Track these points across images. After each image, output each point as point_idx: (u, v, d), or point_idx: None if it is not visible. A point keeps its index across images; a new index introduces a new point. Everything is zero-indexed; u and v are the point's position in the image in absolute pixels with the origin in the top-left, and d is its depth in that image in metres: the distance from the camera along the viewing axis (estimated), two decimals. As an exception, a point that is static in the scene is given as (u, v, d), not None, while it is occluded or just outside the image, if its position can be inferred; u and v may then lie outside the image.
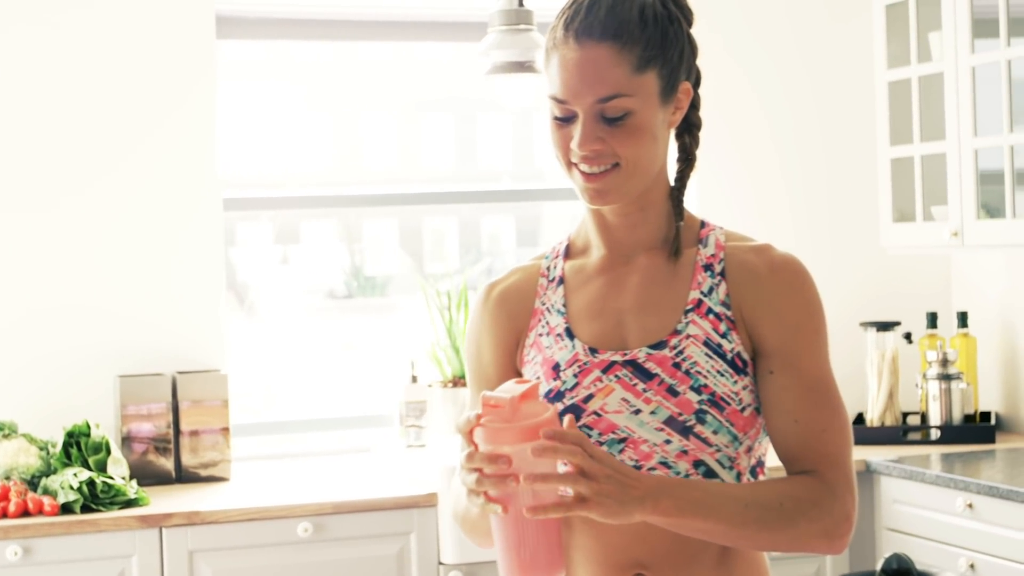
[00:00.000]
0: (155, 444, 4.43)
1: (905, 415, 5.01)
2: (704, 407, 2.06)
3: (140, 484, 4.37)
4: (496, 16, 4.36)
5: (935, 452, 4.60)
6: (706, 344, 2.09)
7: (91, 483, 4.04)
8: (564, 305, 2.18)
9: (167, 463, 4.44)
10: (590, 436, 2.09)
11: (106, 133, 4.54)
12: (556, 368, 2.14)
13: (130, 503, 4.08)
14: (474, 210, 5.33)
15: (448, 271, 5.17)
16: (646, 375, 2.08)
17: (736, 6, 5.02)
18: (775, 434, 2.09)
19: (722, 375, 2.08)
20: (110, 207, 4.54)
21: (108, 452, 4.19)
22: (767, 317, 2.10)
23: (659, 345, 2.09)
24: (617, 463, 1.94)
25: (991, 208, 4.56)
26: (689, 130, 2.20)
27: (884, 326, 4.89)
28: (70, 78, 4.51)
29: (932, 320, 4.91)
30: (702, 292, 2.12)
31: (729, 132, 5.03)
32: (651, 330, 2.11)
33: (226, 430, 4.49)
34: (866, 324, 4.91)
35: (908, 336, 4.91)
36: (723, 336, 2.09)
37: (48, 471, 4.18)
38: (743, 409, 2.09)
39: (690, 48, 2.15)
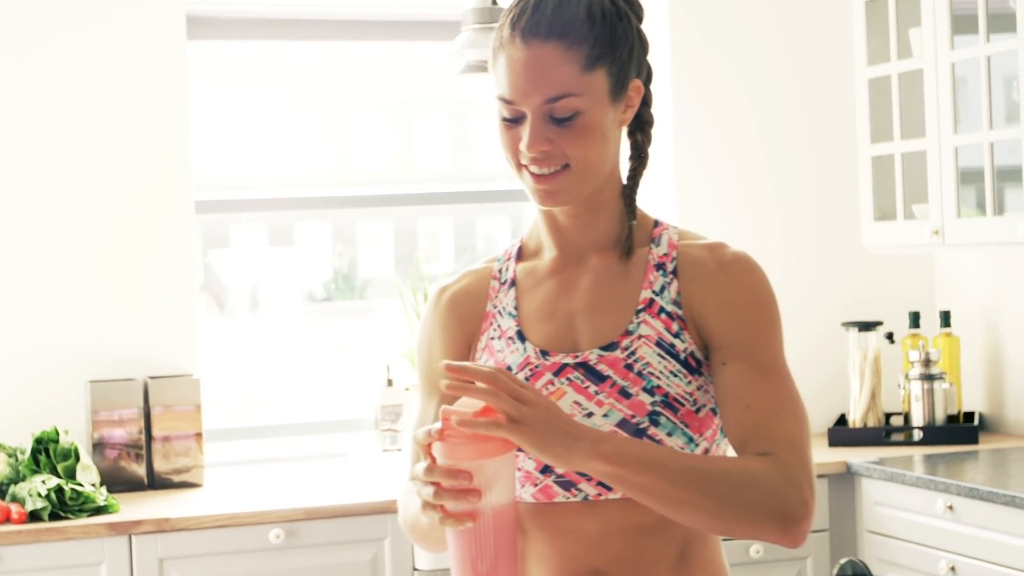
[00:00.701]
0: (127, 450, 4.40)
1: (888, 416, 4.98)
2: (657, 409, 2.03)
3: (112, 491, 4.35)
4: (469, 14, 4.32)
5: (918, 453, 4.57)
6: (658, 344, 2.06)
7: (59, 490, 4.01)
8: (516, 308, 2.16)
9: (139, 469, 4.41)
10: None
11: (77, 137, 4.51)
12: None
13: (99, 510, 4.06)
14: (469, 210, 5.30)
15: (443, 272, 5.14)
16: (598, 377, 2.06)
17: (718, 2, 4.99)
18: (728, 423, 2.04)
19: (675, 376, 2.05)
20: (81, 210, 4.51)
21: (77, 459, 4.16)
22: (717, 310, 2.07)
23: (610, 346, 2.07)
24: (560, 410, 1.91)
25: (974, 206, 4.54)
26: (641, 128, 2.17)
27: (866, 326, 4.86)
28: (42, 83, 4.48)
29: (915, 320, 4.89)
30: (654, 291, 2.09)
31: (712, 130, 5.00)
32: (602, 331, 2.09)
33: (199, 435, 4.46)
34: (848, 324, 4.88)
35: (890, 336, 4.88)
36: (676, 336, 2.07)
37: (17, 478, 4.15)
38: (698, 410, 2.06)
39: (640, 45, 2.12)
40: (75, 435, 4.39)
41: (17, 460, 4.19)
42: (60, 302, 4.49)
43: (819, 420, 5.05)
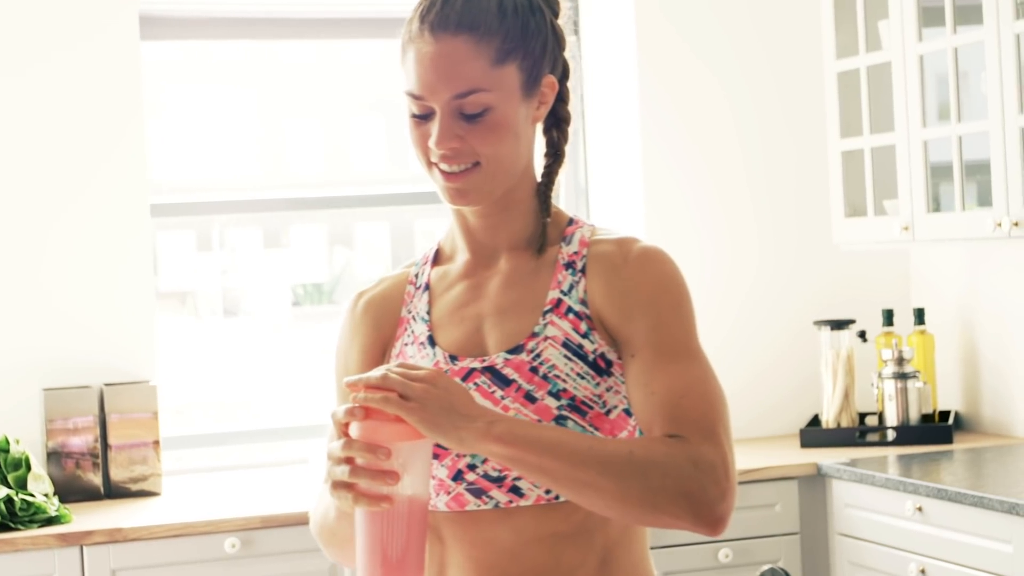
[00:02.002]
0: (82, 459, 4.36)
1: (863, 416, 4.94)
2: (564, 412, 2.00)
3: (67, 501, 4.31)
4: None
5: (891, 454, 4.54)
6: (565, 345, 2.03)
7: (9, 501, 3.97)
8: (428, 313, 2.13)
9: (95, 478, 4.38)
10: (449, 448, 2.04)
11: (28, 140, 4.47)
12: None
13: (51, 520, 4.02)
14: (406, 213, 5.27)
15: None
16: (504, 381, 2.03)
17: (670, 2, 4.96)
18: (636, 414, 1.99)
19: (582, 377, 2.01)
20: (35, 215, 4.47)
21: (28, 468, 4.12)
22: (619, 302, 2.03)
23: (516, 349, 2.04)
24: (457, 387, 1.90)
25: (943, 201, 4.50)
26: (557, 124, 2.15)
27: (838, 324, 4.83)
28: (-10, 83, 4.45)
29: (888, 318, 4.85)
30: (562, 291, 2.06)
31: (681, 126, 4.97)
32: (509, 334, 2.06)
33: (156, 443, 4.43)
34: (820, 323, 4.84)
35: (863, 334, 4.84)
36: (584, 336, 2.03)
37: (-33, 489, 4.11)
38: (608, 412, 2.02)
39: (555, 39, 2.10)
40: (29, 444, 4.36)
41: (-33, 470, 4.15)
42: (13, 308, 4.45)
43: (793, 421, 5.02)
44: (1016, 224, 4.11)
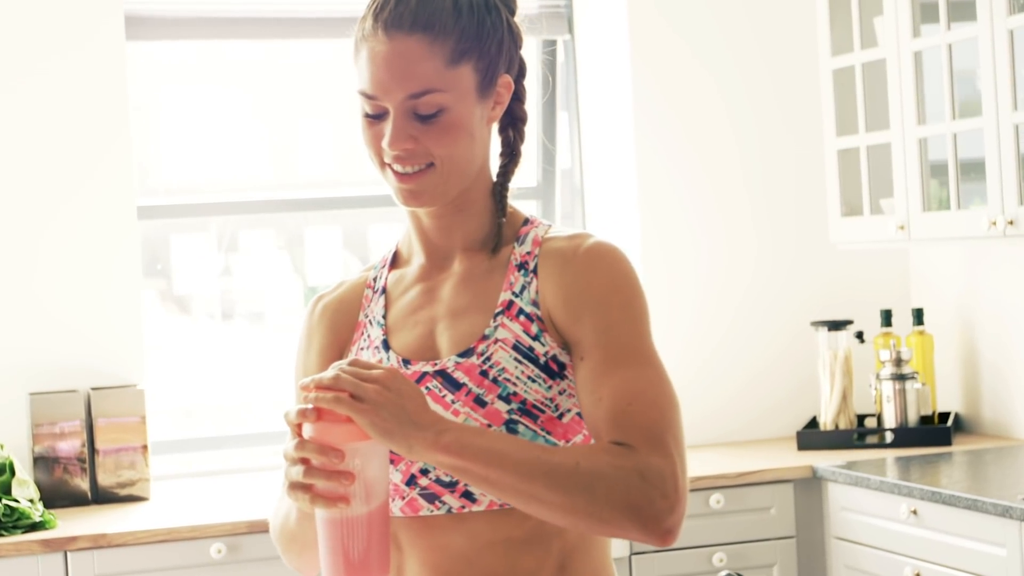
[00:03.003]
0: (69, 464, 4.36)
1: (862, 418, 4.92)
2: (515, 417, 1.98)
3: (55, 506, 4.31)
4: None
5: (889, 456, 4.52)
6: (515, 348, 2.01)
7: (-8, 506, 3.97)
8: (384, 316, 2.12)
9: (82, 483, 4.38)
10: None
11: (14, 143, 4.47)
12: None
13: (35, 526, 4.02)
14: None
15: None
16: (455, 385, 2.01)
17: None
18: (585, 419, 1.97)
19: (533, 381, 2.00)
20: (21, 217, 4.48)
21: (12, 473, 4.12)
22: (571, 299, 2.01)
23: (467, 352, 2.02)
24: (410, 389, 1.87)
25: (939, 200, 4.48)
26: (514, 124, 2.14)
27: (836, 325, 4.80)
28: (-25, 85, 4.45)
29: (887, 318, 4.82)
30: (513, 293, 2.04)
31: (676, 124, 4.95)
32: (461, 337, 2.05)
33: (145, 448, 4.42)
34: (817, 323, 4.82)
35: (860, 335, 4.82)
36: (535, 339, 2.01)
37: (-48, 494, 4.12)
38: (560, 416, 2.01)
39: (511, 38, 2.08)
40: (16, 448, 4.36)
41: (-48, 476, 4.15)
42: (0, 312, 4.45)
43: (790, 423, 5.00)
44: (1011, 223, 4.09)
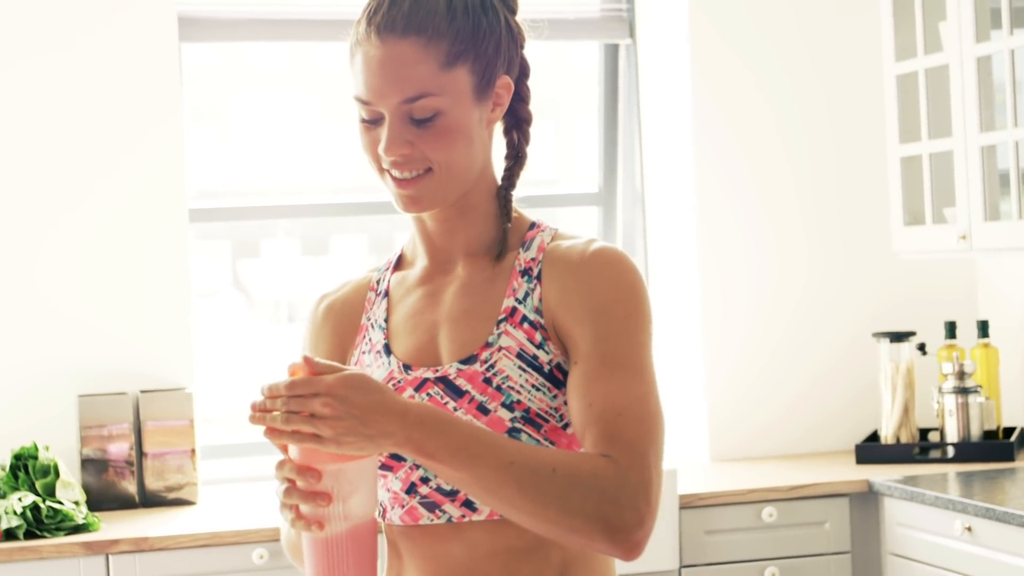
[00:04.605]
0: (118, 467, 4.41)
1: (924, 432, 4.87)
2: (518, 425, 1.98)
3: (102, 509, 4.36)
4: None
5: (951, 471, 4.47)
6: (520, 356, 2.00)
7: (36, 508, 4.02)
8: (385, 320, 2.12)
9: (130, 487, 4.42)
10: (403, 461, 2.03)
11: (67, 144, 4.53)
12: None
13: (79, 529, 4.06)
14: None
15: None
16: (457, 392, 2.01)
17: (733, 2, 4.92)
18: (572, 421, 1.97)
19: (538, 389, 2.00)
20: (73, 220, 4.53)
21: (57, 475, 4.17)
22: (571, 306, 2.00)
23: (470, 359, 2.02)
24: (362, 397, 1.82)
25: (1004, 209, 4.43)
26: (518, 126, 2.12)
27: (898, 336, 4.75)
28: (31, 91, 4.51)
29: (951, 330, 4.77)
30: (517, 299, 2.04)
31: (733, 132, 4.93)
32: (463, 343, 2.04)
33: (193, 452, 4.46)
34: (879, 335, 4.78)
35: (922, 347, 4.78)
36: (539, 347, 2.01)
37: (-3, 495, 4.18)
38: (565, 426, 2.00)
39: (511, 39, 2.07)
40: (64, 451, 4.41)
41: (-2, 477, 4.21)
42: (50, 314, 4.51)
43: (848, 436, 4.96)
44: (1073, 233, 4.04)
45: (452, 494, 2.02)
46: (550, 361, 2.01)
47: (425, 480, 2.03)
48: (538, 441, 1.99)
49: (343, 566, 1.90)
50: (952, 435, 4.67)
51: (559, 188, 5.41)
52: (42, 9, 4.51)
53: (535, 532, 1.93)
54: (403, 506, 2.05)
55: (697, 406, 4.94)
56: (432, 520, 2.04)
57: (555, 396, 2.00)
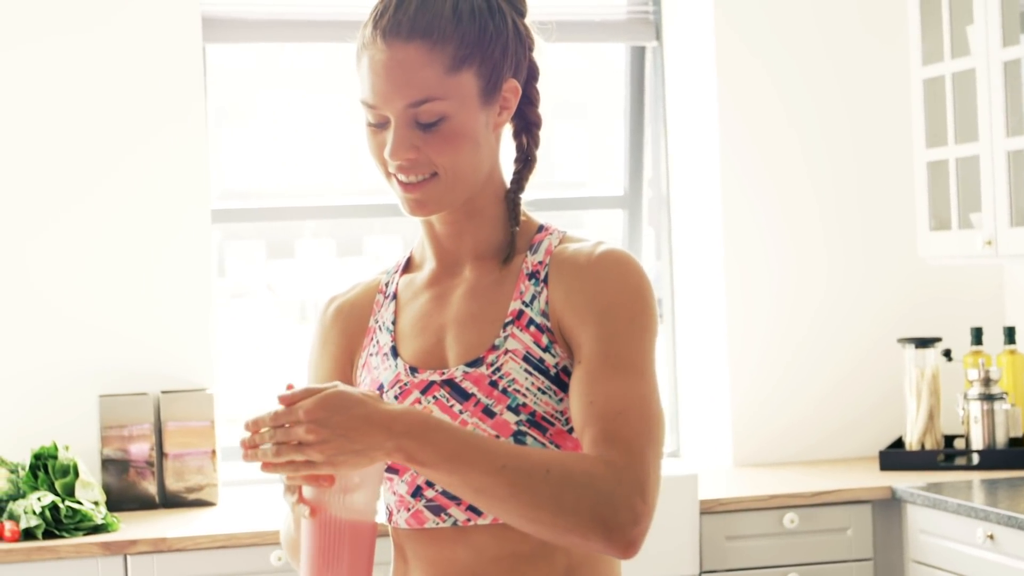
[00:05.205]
0: (137, 467, 4.43)
1: (951, 439, 4.86)
2: (523, 428, 1.99)
3: (122, 509, 4.38)
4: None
5: (976, 478, 4.45)
6: (526, 359, 2.01)
7: (55, 508, 4.05)
8: (393, 323, 2.13)
9: (150, 487, 4.45)
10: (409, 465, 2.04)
11: (90, 143, 4.56)
12: (380, 390, 2.10)
13: (97, 529, 4.09)
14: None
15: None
16: (463, 395, 2.02)
17: (752, 4, 4.92)
18: (573, 419, 1.98)
19: (544, 393, 2.00)
20: (92, 218, 4.56)
21: (76, 475, 4.20)
22: (579, 304, 2.00)
23: (476, 362, 2.03)
24: (343, 414, 1.84)
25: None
26: (528, 129, 2.12)
27: (923, 342, 4.74)
28: (54, 91, 4.54)
29: (977, 336, 4.76)
30: (524, 302, 2.04)
31: (758, 136, 4.92)
32: (469, 346, 2.05)
33: (213, 452, 4.48)
34: (904, 340, 4.76)
35: (948, 353, 4.76)
36: (545, 350, 2.01)
37: (17, 494, 4.20)
38: (571, 429, 2.01)
39: (518, 41, 2.07)
40: (85, 451, 4.44)
41: (18, 476, 4.23)
42: (71, 314, 4.53)
43: (871, 442, 4.96)
44: (1098, 239, 4.02)
45: (457, 498, 2.02)
46: (556, 364, 2.01)
47: (431, 484, 2.04)
48: (543, 444, 1.99)
49: (338, 557, 1.92)
50: (977, 442, 4.65)
51: (585, 191, 5.41)
52: (64, 7, 4.53)
53: (534, 535, 1.94)
54: (409, 509, 2.06)
55: (721, 410, 4.93)
56: (437, 524, 2.05)
57: (561, 399, 2.01)
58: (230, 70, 5.01)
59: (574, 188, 5.45)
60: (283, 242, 5.26)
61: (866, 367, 4.97)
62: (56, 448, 4.24)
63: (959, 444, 4.84)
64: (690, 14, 4.99)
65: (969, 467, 4.62)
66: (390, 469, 2.08)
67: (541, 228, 2.13)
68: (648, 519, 1.90)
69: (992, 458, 4.60)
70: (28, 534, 4.03)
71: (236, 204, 4.96)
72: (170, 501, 4.47)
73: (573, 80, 5.38)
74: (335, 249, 5.29)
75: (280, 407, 1.86)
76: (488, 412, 2.00)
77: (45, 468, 4.22)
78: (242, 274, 5.17)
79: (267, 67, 5.21)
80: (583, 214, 5.44)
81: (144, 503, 4.44)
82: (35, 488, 4.19)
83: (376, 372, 2.11)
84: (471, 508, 2.02)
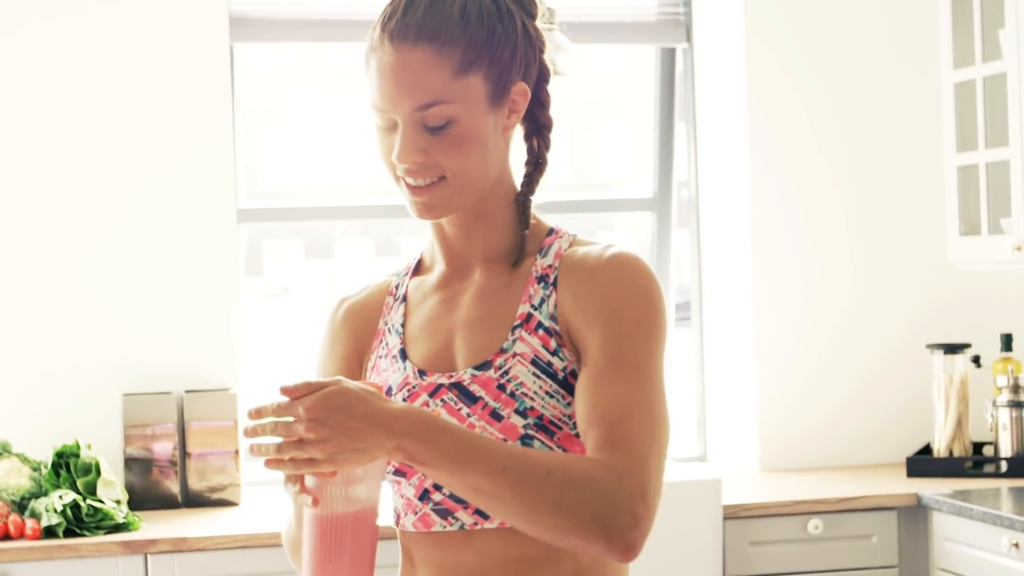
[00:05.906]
0: (161, 467, 4.46)
1: (980, 446, 4.84)
2: (531, 432, 1.99)
3: (144, 508, 4.41)
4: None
5: (1005, 486, 4.44)
6: (534, 363, 2.01)
7: (76, 506, 4.07)
8: (402, 325, 2.14)
9: (173, 487, 4.47)
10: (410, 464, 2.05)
11: (115, 141, 4.59)
12: (389, 393, 2.10)
13: (118, 527, 4.11)
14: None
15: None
16: (471, 398, 2.03)
17: (782, 6, 4.91)
18: (578, 421, 1.98)
19: (552, 396, 2.00)
20: (118, 218, 4.58)
21: (98, 473, 4.22)
22: (587, 306, 2.01)
23: (484, 365, 2.03)
24: (344, 413, 1.84)
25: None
26: (538, 132, 2.13)
27: (952, 348, 4.73)
28: (79, 88, 4.57)
29: (1007, 342, 4.74)
30: (533, 306, 2.05)
31: (788, 139, 4.92)
32: (478, 349, 2.05)
33: (236, 452, 4.51)
34: (933, 346, 4.75)
35: (976, 360, 4.75)
36: (554, 354, 2.02)
37: (40, 492, 4.23)
38: (578, 433, 2.01)
39: (527, 44, 2.07)
40: (108, 450, 4.46)
41: (40, 474, 4.26)
42: (97, 314, 4.56)
43: (898, 447, 4.94)
44: None
45: (465, 501, 2.03)
46: (564, 368, 2.02)
47: (438, 487, 2.05)
48: (551, 448, 1.99)
49: (340, 547, 1.93)
50: (1006, 449, 4.64)
51: (614, 192, 5.41)
52: (89, 7, 4.56)
53: (536, 536, 1.94)
54: (416, 512, 2.07)
55: (747, 414, 4.93)
56: (444, 527, 2.05)
57: (569, 403, 2.01)
58: (264, 70, 5.03)
59: (605, 189, 5.45)
60: (321, 242, 5.27)
61: (894, 372, 4.95)
62: (78, 447, 4.27)
63: (987, 451, 4.82)
64: (720, 16, 4.99)
65: (997, 475, 4.61)
66: (398, 472, 2.08)
67: (551, 231, 2.13)
68: (649, 523, 1.90)
69: (1021, 465, 4.58)
70: (49, 532, 4.06)
71: (272, 204, 4.97)
72: (193, 501, 4.49)
73: (604, 81, 5.37)
74: (373, 249, 5.30)
75: (283, 398, 1.87)
76: (496, 415, 2.01)
77: (67, 466, 4.24)
78: (279, 274, 5.18)
79: (301, 67, 5.22)
80: (613, 216, 5.44)
81: (167, 502, 4.46)
82: (57, 486, 4.21)
83: (385, 374, 2.12)
84: (478, 512, 2.03)
